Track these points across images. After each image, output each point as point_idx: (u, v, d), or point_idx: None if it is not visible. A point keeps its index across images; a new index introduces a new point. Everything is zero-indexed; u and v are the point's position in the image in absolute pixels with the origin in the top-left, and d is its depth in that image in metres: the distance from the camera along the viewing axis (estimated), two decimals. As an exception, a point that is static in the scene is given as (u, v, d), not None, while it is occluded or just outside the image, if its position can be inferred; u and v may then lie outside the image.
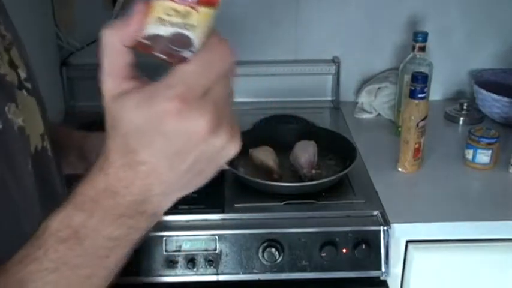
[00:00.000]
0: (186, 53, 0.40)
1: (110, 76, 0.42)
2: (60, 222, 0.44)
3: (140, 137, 0.41)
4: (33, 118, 0.60)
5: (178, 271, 1.12)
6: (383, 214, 1.15)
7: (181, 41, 0.40)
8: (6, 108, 0.53)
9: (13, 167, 0.52)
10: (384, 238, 1.12)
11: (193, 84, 0.40)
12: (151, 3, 0.40)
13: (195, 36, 0.40)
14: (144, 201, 0.44)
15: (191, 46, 0.40)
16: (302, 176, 1.25)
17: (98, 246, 0.44)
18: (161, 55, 0.41)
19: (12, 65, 0.58)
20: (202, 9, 0.39)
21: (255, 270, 1.12)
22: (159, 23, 0.40)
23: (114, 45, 0.41)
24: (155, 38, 0.40)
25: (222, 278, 1.12)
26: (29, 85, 0.61)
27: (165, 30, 0.40)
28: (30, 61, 0.65)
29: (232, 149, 0.43)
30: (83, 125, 1.51)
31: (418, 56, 1.44)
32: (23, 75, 0.60)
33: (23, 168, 0.55)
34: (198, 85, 0.40)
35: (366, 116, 1.63)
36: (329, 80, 1.70)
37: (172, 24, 0.40)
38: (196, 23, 0.40)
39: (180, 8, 0.39)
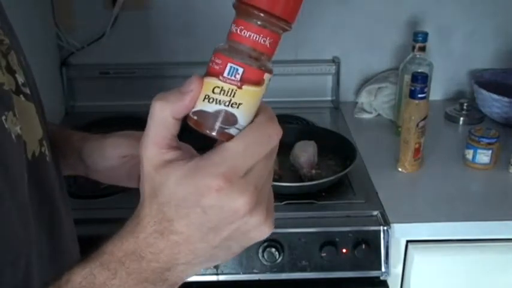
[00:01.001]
0: (232, 130, 0.41)
1: (154, 145, 0.43)
2: (84, 277, 0.45)
3: (179, 208, 0.42)
4: (31, 124, 0.60)
5: (178, 271, 1.12)
6: (383, 214, 1.15)
7: (227, 118, 0.41)
8: (3, 117, 0.53)
9: (9, 177, 0.52)
10: (384, 238, 1.12)
11: (238, 165, 0.41)
12: (203, 80, 0.42)
13: (241, 114, 0.41)
14: (169, 270, 0.45)
15: (236, 123, 0.41)
16: (302, 176, 1.25)
17: None
18: (208, 131, 0.42)
19: (9, 70, 0.58)
20: (247, 88, 0.41)
21: (255, 270, 1.12)
22: (207, 100, 0.41)
23: (166, 118, 0.42)
24: (202, 114, 0.42)
25: (222, 278, 1.12)
26: (27, 90, 0.60)
27: (212, 108, 0.41)
28: (30, 65, 0.65)
29: (265, 231, 0.44)
30: (83, 125, 1.51)
31: (418, 56, 1.44)
32: (20, 80, 0.60)
33: (19, 177, 0.55)
34: (243, 166, 0.41)
35: (366, 116, 1.63)
36: (329, 80, 1.70)
37: (219, 102, 0.41)
38: (242, 101, 0.41)
39: (226, 86, 0.41)
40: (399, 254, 1.17)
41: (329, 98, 1.71)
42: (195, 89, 0.42)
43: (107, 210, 1.17)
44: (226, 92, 0.41)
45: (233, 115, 0.41)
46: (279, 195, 1.20)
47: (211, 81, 0.41)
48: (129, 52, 1.64)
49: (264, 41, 0.41)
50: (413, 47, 1.44)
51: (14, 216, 0.52)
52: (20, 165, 0.55)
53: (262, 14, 0.40)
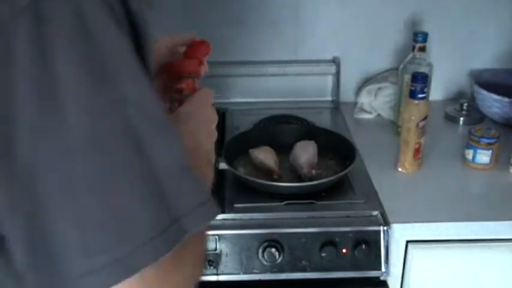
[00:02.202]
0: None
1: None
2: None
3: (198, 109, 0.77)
4: None
5: (178, 271, 1.11)
6: (383, 214, 1.15)
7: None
8: None
9: None
10: (384, 238, 1.12)
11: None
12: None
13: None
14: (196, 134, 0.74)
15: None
16: (302, 176, 1.25)
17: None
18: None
19: None
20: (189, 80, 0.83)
21: (255, 270, 1.12)
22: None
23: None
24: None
25: (222, 278, 1.12)
26: None
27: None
28: None
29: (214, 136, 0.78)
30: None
31: (418, 56, 1.44)
32: None
33: None
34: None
35: (366, 116, 1.63)
36: (329, 80, 1.70)
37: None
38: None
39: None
40: (399, 254, 1.17)
41: (329, 98, 1.71)
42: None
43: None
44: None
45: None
46: (279, 195, 1.20)
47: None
48: (129, 52, 1.64)
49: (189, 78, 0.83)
50: (413, 47, 1.44)
51: None
52: None
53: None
